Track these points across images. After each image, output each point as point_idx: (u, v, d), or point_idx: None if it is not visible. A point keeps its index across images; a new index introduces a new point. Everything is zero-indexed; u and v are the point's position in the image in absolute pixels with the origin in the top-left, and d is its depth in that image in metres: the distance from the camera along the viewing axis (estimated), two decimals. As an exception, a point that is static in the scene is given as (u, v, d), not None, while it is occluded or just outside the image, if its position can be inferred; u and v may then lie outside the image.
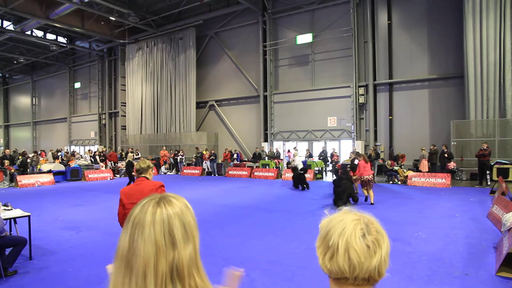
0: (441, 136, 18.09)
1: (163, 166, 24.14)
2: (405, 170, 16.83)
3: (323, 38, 21.34)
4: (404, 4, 19.24)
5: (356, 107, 20.24)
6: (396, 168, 16.82)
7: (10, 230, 6.87)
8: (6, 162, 19.15)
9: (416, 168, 17.21)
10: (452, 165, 16.12)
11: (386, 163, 17.59)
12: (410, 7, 19.07)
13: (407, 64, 19.25)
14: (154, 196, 1.04)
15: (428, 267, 5.52)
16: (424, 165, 16.46)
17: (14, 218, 6.98)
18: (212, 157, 22.00)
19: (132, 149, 25.35)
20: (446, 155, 16.09)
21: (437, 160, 16.66)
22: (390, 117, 19.75)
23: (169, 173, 23.94)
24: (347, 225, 1.06)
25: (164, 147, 25.04)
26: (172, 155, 24.25)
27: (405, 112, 19.40)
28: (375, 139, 20.13)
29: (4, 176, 18.35)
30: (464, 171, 16.66)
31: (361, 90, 20.12)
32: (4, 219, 6.19)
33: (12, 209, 7.29)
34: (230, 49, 25.11)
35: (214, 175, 21.80)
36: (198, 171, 22.23)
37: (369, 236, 1.04)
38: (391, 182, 16.57)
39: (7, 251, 6.03)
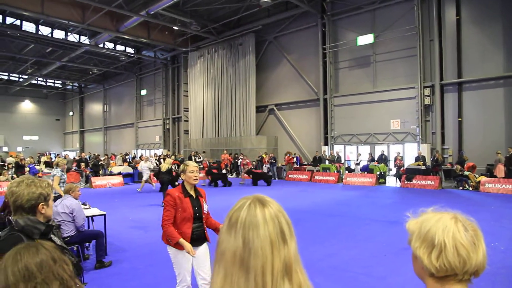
0: (519, 139, 16.62)
1: (224, 169, 24.68)
2: (476, 176, 15.71)
3: (385, 38, 20.62)
4: (475, -3, 18.02)
5: (421, 109, 19.27)
6: (466, 173, 15.78)
7: (88, 227, 7.45)
8: (82, 165, 20.72)
9: (490, 173, 15.99)
10: (532, 170, 14.78)
11: (455, 167, 16.56)
12: (481, 0, 17.82)
13: (479, 61, 17.96)
14: (250, 197, 1.09)
15: (509, 282, 5.10)
16: (500, 170, 15.23)
17: (92, 216, 7.57)
18: (272, 160, 22.11)
19: (194, 152, 26.21)
20: (525, 159, 14.80)
21: (515, 165, 15.34)
22: (459, 119, 18.55)
23: (229, 176, 24.40)
24: (447, 223, 1.12)
25: (225, 151, 25.62)
26: (232, 158, 24.76)
27: (477, 113, 18.10)
28: (443, 142, 19.01)
29: (80, 177, 19.86)
30: (548, 177, 15.18)
31: (427, 91, 19.13)
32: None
33: (90, 208, 7.91)
34: (289, 53, 25.14)
35: (274, 178, 21.88)
36: (258, 175, 22.44)
37: (470, 231, 1.10)
38: (461, 188, 15.58)
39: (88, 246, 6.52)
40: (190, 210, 3.81)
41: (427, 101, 19.10)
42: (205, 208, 3.94)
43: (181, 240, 3.69)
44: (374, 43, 20.95)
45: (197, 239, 3.89)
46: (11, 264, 1.27)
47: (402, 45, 20.06)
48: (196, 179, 3.91)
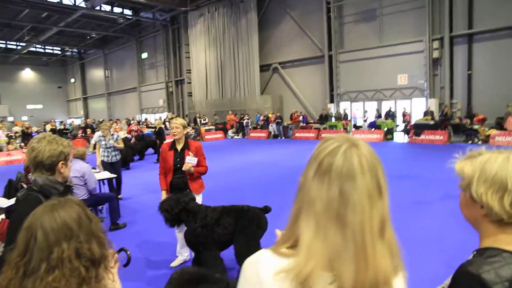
0: (531, 91, 16.21)
1: (230, 130, 24.67)
2: (486, 129, 15.53)
3: (393, -12, 19.78)
4: None
5: (429, 63, 18.80)
6: (476, 127, 15.59)
7: (100, 191, 7.48)
8: (89, 131, 20.72)
9: (500, 126, 15.75)
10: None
11: (464, 122, 16.35)
12: None
13: (491, 11, 17.21)
14: (341, 139, 0.91)
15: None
16: (510, 122, 14.99)
17: (103, 180, 7.59)
18: (278, 120, 21.97)
19: (199, 114, 26.06)
20: (538, 110, 14.51)
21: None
22: (469, 72, 18.10)
23: (236, 137, 24.44)
24: None
25: (230, 111, 25.44)
26: (238, 119, 24.67)
27: (487, 65, 17.60)
28: (451, 96, 18.67)
29: (87, 143, 19.89)
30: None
31: (436, 44, 18.56)
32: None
33: (100, 171, 7.90)
34: (292, 9, 24.29)
35: (281, 137, 21.83)
36: (265, 134, 22.41)
37: None
38: (470, 142, 15.45)
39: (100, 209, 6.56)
40: (171, 162, 4.35)
41: (435, 54, 18.60)
42: (188, 159, 4.30)
43: (162, 192, 4.46)
44: (380, -6, 20.15)
45: (177, 188, 4.37)
46: (48, 220, 1.16)
47: (410, -4, 19.25)
48: (175, 134, 4.36)
